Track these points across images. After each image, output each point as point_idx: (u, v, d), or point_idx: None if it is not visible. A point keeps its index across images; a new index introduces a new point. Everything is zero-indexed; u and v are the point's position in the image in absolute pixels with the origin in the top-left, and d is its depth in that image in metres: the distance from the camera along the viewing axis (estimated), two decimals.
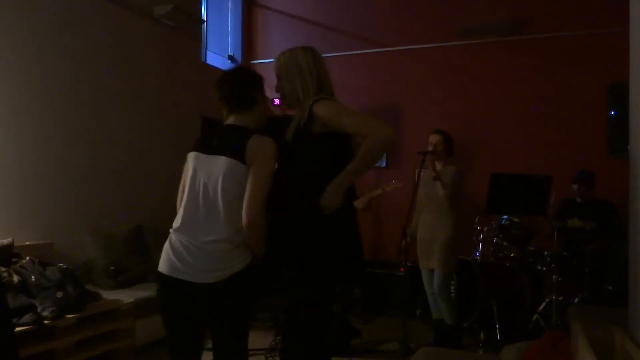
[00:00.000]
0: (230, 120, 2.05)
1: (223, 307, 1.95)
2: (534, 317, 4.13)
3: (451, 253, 3.82)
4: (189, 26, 5.44)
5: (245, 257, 1.95)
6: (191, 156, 2.02)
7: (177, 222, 1.98)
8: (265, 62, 6.46)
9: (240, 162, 1.87)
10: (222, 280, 1.89)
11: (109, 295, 3.60)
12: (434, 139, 3.96)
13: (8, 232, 3.51)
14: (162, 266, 1.98)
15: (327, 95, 2.06)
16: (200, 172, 1.94)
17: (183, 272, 1.91)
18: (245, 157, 1.87)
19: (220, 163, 1.89)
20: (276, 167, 1.96)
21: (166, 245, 1.99)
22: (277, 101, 6.06)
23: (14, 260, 3.36)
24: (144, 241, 4.45)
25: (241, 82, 2.06)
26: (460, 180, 3.88)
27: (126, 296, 3.64)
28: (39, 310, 3.03)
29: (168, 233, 2.02)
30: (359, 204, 4.20)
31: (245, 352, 2.07)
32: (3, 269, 3.16)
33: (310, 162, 2.02)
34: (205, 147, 1.98)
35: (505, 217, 4.42)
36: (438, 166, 3.95)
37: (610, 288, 3.99)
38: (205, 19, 5.89)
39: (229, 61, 6.46)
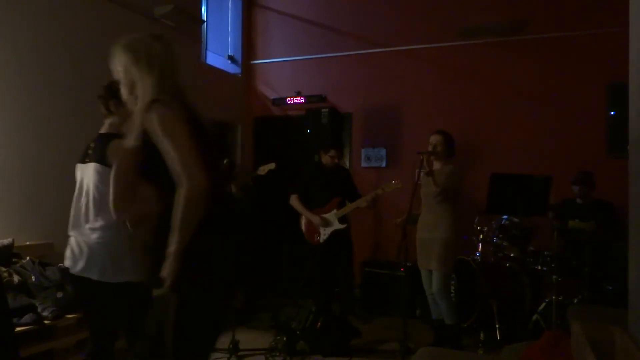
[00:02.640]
0: (104, 126, 2.33)
1: None
2: (534, 317, 4.12)
3: (449, 253, 3.81)
4: (189, 26, 5.44)
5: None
6: (77, 168, 2.31)
7: (72, 224, 2.24)
8: (265, 62, 6.48)
9: (106, 166, 2.15)
10: None
11: None
12: (434, 139, 3.95)
13: (8, 232, 3.51)
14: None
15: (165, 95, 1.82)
16: (83, 180, 2.24)
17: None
18: (108, 161, 2.16)
19: (92, 169, 2.20)
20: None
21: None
22: (292, 100, 6.08)
23: (14, 260, 3.36)
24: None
25: (102, 92, 2.32)
26: (457, 178, 3.87)
27: None
28: (39, 310, 3.03)
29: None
30: (362, 202, 4.24)
31: None
32: (3, 269, 3.17)
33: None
34: (83, 157, 2.29)
35: (505, 217, 4.42)
36: (437, 165, 3.95)
37: (610, 288, 4.00)
38: (205, 19, 5.89)
39: (229, 61, 6.46)
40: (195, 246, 1.71)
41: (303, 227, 4.44)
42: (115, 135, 2.23)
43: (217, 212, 1.82)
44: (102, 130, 2.31)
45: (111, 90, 2.26)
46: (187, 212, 1.66)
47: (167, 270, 1.69)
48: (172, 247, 1.69)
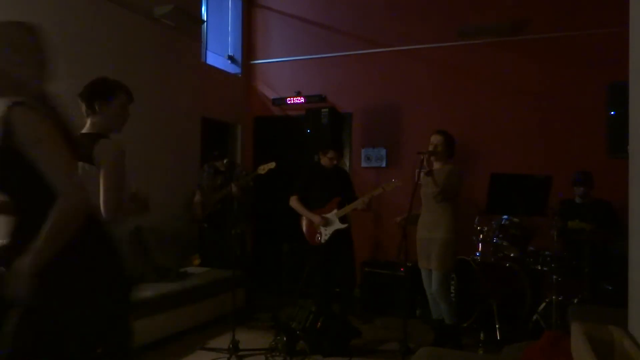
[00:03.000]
0: (86, 126, 2.34)
1: None
2: (534, 317, 4.13)
3: (448, 253, 3.81)
4: (189, 26, 5.44)
5: None
6: None
7: None
8: (265, 62, 6.47)
9: (91, 164, 2.15)
10: None
11: None
12: (435, 139, 3.95)
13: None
14: None
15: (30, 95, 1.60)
16: None
17: None
18: (93, 160, 2.16)
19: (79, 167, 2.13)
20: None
21: None
22: (292, 100, 6.09)
23: None
24: (143, 242, 4.44)
25: (84, 92, 2.38)
26: (457, 178, 3.86)
27: None
28: None
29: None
30: (360, 204, 4.25)
31: None
32: (4, 269, 3.16)
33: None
34: None
35: (505, 217, 4.42)
36: (437, 165, 3.95)
37: (610, 288, 4.00)
38: (205, 19, 5.89)
39: (229, 61, 6.46)
40: (62, 263, 1.49)
41: (304, 228, 4.44)
42: (99, 135, 2.25)
43: (93, 227, 1.65)
44: (84, 130, 2.31)
45: (95, 90, 2.33)
46: (59, 224, 1.45)
47: (20, 285, 1.46)
48: (30, 260, 1.45)
